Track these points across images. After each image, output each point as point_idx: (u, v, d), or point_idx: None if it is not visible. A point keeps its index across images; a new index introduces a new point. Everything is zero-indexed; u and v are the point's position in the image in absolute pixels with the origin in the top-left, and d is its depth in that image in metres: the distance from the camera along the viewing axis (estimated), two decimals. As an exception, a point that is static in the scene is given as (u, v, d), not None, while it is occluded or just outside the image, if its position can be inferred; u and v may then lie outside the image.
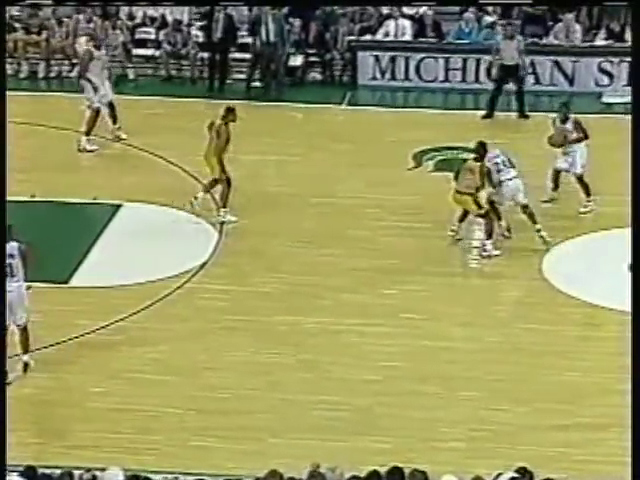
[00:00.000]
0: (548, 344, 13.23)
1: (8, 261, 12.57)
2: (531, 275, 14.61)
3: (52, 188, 16.48)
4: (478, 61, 20.31)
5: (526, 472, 9.52)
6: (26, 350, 12.79)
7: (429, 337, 13.41)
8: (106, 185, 16.67)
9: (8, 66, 20.70)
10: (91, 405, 12.17)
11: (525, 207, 15.10)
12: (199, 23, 21.27)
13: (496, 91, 19.24)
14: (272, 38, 20.05)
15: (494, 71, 19.39)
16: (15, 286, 12.62)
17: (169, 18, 21.28)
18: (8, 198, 15.87)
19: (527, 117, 19.18)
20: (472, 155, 15.46)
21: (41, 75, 20.85)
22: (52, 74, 20.85)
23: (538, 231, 15.02)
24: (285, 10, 20.57)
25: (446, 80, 20.47)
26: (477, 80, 20.37)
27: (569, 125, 15.97)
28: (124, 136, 18.09)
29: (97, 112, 17.85)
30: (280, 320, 13.71)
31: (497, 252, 14.93)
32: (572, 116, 16.04)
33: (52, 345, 13.10)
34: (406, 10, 21.13)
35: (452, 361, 12.97)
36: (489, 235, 14.92)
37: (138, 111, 19.22)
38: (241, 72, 20.80)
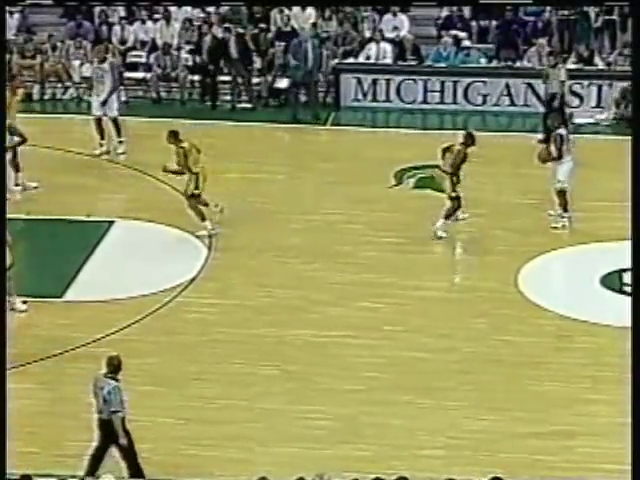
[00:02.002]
0: (523, 355, 13.27)
1: None
2: (506, 288, 14.66)
3: (46, 206, 16.47)
4: (455, 83, 20.43)
5: (500, 481, 9.53)
6: None
7: (409, 348, 13.43)
8: (99, 203, 16.68)
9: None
10: (85, 416, 12.04)
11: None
12: (188, 47, 21.31)
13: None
14: (310, 64, 20.07)
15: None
16: None
17: (159, 42, 21.31)
18: (8, 216, 15.97)
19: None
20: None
21: (35, 97, 20.84)
22: (46, 96, 20.85)
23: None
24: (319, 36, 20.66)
25: (425, 101, 20.57)
26: (454, 101, 20.48)
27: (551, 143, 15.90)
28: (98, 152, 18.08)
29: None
30: (266, 332, 13.71)
31: (444, 234, 15.46)
32: (554, 134, 15.97)
33: (48, 357, 13.07)
34: (387, 34, 21.23)
35: (431, 371, 12.99)
36: (447, 217, 15.43)
37: (129, 131, 19.22)
38: (228, 94, 20.86)
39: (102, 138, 18.05)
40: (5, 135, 15.69)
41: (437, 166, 16.06)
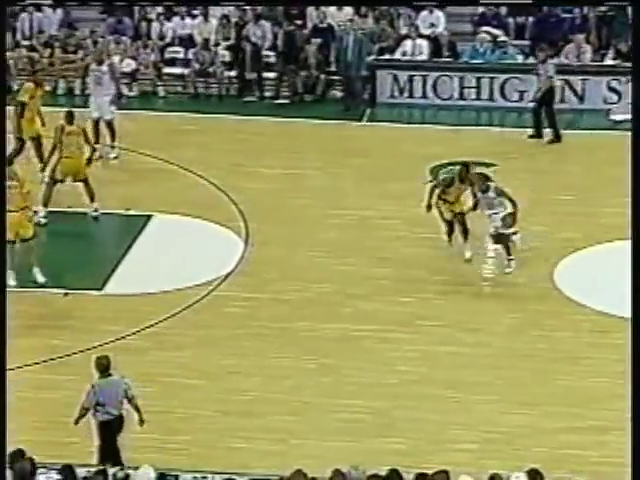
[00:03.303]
0: (557, 350, 13.30)
1: None
2: (542, 283, 14.67)
3: (87, 199, 16.60)
4: (492, 79, 20.40)
5: (537, 474, 9.58)
6: None
7: (443, 343, 13.50)
8: (137, 197, 16.83)
9: (47, 84, 20.97)
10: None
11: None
12: (225, 43, 21.44)
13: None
14: (350, 58, 20.12)
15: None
16: None
17: (197, 38, 21.46)
18: (50, 209, 16.23)
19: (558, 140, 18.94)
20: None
21: (77, 92, 21.04)
22: (87, 91, 20.96)
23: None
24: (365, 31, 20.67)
25: (461, 98, 20.58)
26: (491, 98, 20.46)
27: (491, 193, 14.84)
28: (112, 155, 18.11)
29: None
30: (301, 326, 13.82)
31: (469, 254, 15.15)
32: (492, 184, 14.95)
33: (88, 349, 13.25)
34: (423, 31, 21.26)
35: (465, 366, 13.05)
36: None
37: (167, 126, 19.41)
38: (267, 90, 20.96)
39: (97, 142, 17.86)
40: (5, 135, 15.79)
41: (473, 163, 16.07)
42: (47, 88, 19.19)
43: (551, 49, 20.56)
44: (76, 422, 10.99)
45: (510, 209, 14.80)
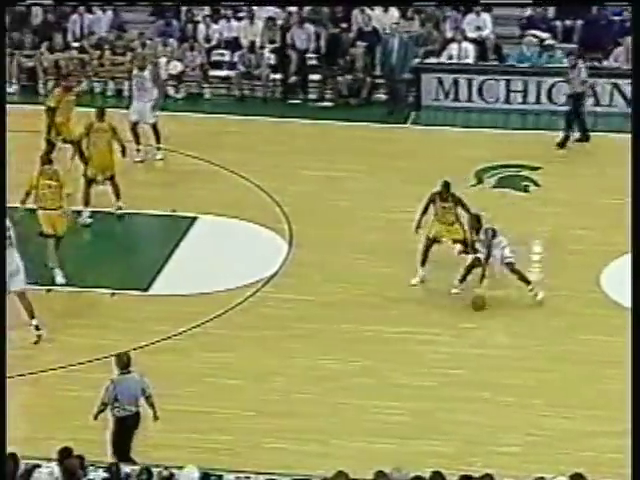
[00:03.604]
0: (602, 354, 13.22)
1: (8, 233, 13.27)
2: (588, 287, 14.59)
3: (134, 201, 16.80)
4: (539, 83, 20.31)
5: (580, 478, 9.54)
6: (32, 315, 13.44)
7: (486, 346, 13.49)
8: (183, 198, 16.95)
9: (96, 84, 21.18)
10: (169, 407, 12.32)
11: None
12: (271, 46, 21.55)
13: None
14: (394, 61, 20.23)
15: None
16: (14, 255, 13.31)
17: (243, 41, 21.58)
18: (97, 209, 16.41)
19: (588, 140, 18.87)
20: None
21: (126, 93, 21.20)
22: (162, 76, 21.09)
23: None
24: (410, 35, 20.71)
25: (507, 101, 20.51)
26: (537, 101, 20.36)
27: (482, 236, 14.43)
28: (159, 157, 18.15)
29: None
30: (344, 328, 13.86)
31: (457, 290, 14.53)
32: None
33: (134, 349, 13.37)
34: (469, 34, 21.22)
35: (508, 369, 13.03)
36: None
37: (213, 128, 19.55)
38: (311, 92, 21.05)
39: (138, 143, 18.07)
40: (5, 137, 15.96)
41: (518, 166, 16.00)
42: (78, 90, 19.23)
43: (601, 52, 20.48)
44: (95, 417, 11.14)
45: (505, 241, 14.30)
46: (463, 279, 14.45)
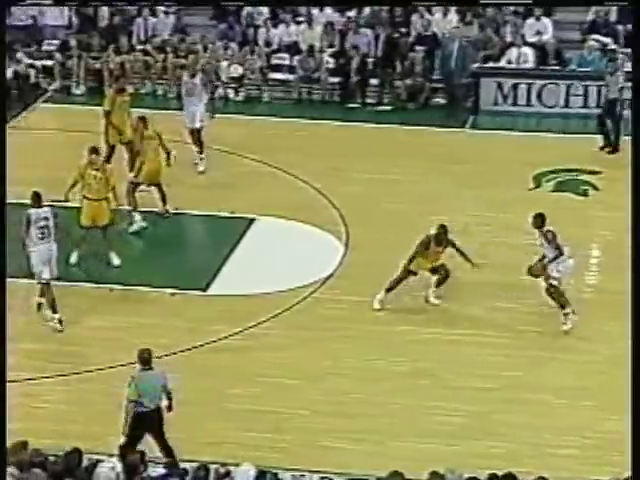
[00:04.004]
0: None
1: (44, 223, 13.66)
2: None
3: (193, 201, 16.98)
4: (599, 88, 20.07)
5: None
6: (54, 309, 13.78)
7: (543, 349, 13.41)
8: (241, 200, 17.07)
9: (159, 87, 21.36)
10: (226, 405, 12.47)
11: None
12: (330, 50, 21.63)
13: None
14: (453, 66, 20.24)
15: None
16: (54, 247, 13.72)
17: (302, 45, 21.70)
18: (153, 209, 16.60)
19: (616, 151, 18.62)
20: None
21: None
22: (213, 82, 21.26)
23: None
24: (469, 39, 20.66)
25: (567, 106, 20.36)
26: (598, 105, 20.15)
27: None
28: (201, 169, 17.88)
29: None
30: (399, 330, 13.86)
31: (437, 301, 14.38)
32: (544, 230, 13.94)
33: (190, 349, 13.50)
34: (529, 38, 21.12)
35: (566, 372, 12.96)
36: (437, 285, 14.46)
37: (272, 131, 19.67)
38: (369, 96, 21.09)
39: (201, 152, 17.93)
40: (5, 137, 16.14)
41: (577, 170, 15.86)
42: (132, 91, 19.40)
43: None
44: (126, 418, 10.96)
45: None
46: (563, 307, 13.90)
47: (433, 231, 14.37)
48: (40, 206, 13.82)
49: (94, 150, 15.20)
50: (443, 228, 14.36)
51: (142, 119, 16.46)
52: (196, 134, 17.90)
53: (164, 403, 11.16)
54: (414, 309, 14.33)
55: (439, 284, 14.43)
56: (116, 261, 15.22)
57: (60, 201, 14.84)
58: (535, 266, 14.01)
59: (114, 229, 15.38)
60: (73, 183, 15.07)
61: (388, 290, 14.36)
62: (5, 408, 10.34)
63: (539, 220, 13.99)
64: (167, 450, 11.10)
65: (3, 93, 19.00)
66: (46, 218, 13.76)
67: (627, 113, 18.58)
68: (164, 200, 16.57)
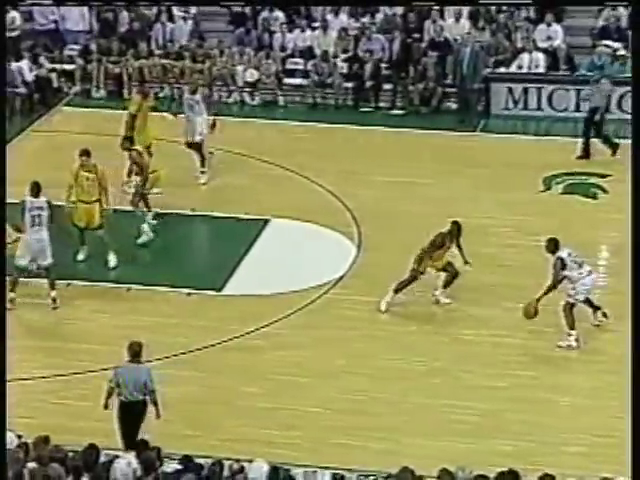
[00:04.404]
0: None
1: (37, 212, 14.00)
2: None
3: (210, 203, 17.00)
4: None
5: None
6: (53, 287, 14.21)
7: (554, 349, 13.35)
8: (256, 201, 17.07)
9: (176, 91, 21.33)
10: (240, 403, 12.47)
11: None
12: (344, 55, 21.63)
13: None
14: (465, 71, 20.22)
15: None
16: (44, 237, 14.06)
17: (317, 50, 21.69)
18: (170, 211, 16.63)
19: (588, 158, 18.51)
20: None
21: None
22: (213, 98, 21.41)
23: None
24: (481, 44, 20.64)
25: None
26: (607, 110, 20.12)
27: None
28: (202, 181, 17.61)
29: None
30: (412, 330, 13.84)
31: (448, 300, 14.35)
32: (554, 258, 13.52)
33: (206, 347, 13.50)
34: (540, 44, 21.07)
35: (577, 371, 12.95)
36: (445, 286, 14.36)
37: (287, 135, 19.69)
38: (382, 100, 21.07)
39: (203, 165, 17.68)
40: (5, 138, 16.16)
41: (587, 173, 15.75)
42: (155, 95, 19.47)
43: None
44: (105, 405, 11.25)
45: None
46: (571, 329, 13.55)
47: (446, 229, 14.29)
48: (36, 196, 14.10)
49: (85, 152, 15.20)
50: (457, 224, 14.29)
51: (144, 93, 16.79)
52: (195, 147, 17.64)
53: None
54: (428, 308, 14.29)
55: (448, 284, 14.38)
56: (113, 263, 15.19)
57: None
58: (528, 307, 13.49)
59: (111, 231, 15.26)
60: (69, 187, 15.09)
61: (396, 291, 14.31)
62: (5, 408, 10.31)
63: (552, 245, 13.55)
64: (132, 441, 11.03)
65: (3, 93, 19.05)
66: (40, 208, 14.04)
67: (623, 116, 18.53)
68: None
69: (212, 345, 13.52)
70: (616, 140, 18.64)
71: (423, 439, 11.81)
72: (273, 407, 12.40)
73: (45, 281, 14.38)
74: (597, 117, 18.61)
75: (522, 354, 13.29)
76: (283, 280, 14.96)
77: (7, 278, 13.98)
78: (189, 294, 14.72)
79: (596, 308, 13.94)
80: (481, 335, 13.67)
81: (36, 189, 14.15)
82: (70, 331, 13.86)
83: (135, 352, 11.22)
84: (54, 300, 14.30)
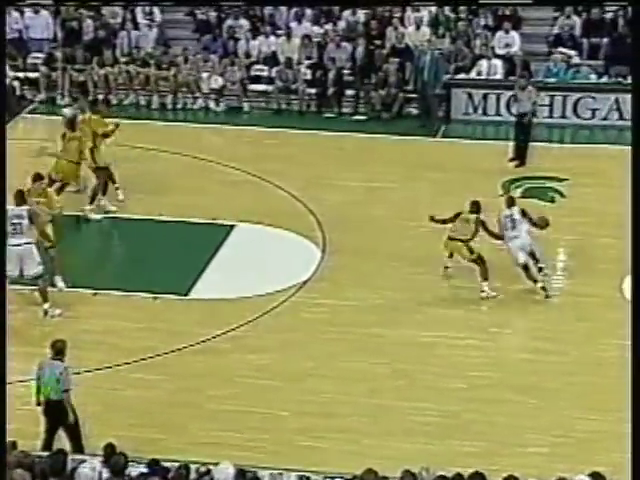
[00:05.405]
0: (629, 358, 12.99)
1: (18, 221, 13.75)
2: (613, 294, 14.40)
3: (176, 208, 16.82)
4: (564, 98, 20.13)
5: (599, 477, 9.36)
6: (45, 299, 13.94)
7: (514, 350, 13.36)
8: (222, 207, 16.92)
9: (142, 98, 21.21)
10: (208, 406, 12.34)
11: (524, 266, 14.37)
12: (307, 62, 21.53)
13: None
14: (426, 77, 20.16)
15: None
16: (23, 242, 13.73)
17: (281, 57, 21.57)
18: (137, 216, 16.45)
19: (523, 165, 18.47)
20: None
21: (169, 106, 21.24)
22: (178, 106, 21.25)
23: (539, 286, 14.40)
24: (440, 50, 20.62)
25: (533, 115, 20.30)
26: (563, 116, 20.18)
27: (515, 212, 14.67)
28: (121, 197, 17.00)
29: None
30: (376, 332, 13.76)
31: (494, 293, 14.39)
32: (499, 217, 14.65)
33: (173, 351, 13.35)
34: (498, 51, 21.09)
35: (536, 372, 12.88)
36: (485, 278, 14.44)
37: (251, 140, 19.55)
38: (345, 106, 21.01)
39: (114, 182, 16.95)
40: (5, 141, 15.96)
41: (544, 177, 15.71)
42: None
43: (626, 69, 20.25)
44: (37, 402, 11.11)
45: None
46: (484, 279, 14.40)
47: (473, 215, 14.75)
48: (19, 204, 13.90)
49: (37, 177, 15.05)
50: (476, 204, 14.74)
51: (70, 121, 16.60)
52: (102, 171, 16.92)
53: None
54: (391, 311, 14.20)
55: (484, 276, 14.36)
56: (60, 285, 14.65)
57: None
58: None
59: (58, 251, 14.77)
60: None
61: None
62: (5, 408, 10.22)
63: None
64: (77, 443, 10.92)
65: (3, 93, 18.77)
66: (20, 216, 13.79)
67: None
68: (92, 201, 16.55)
69: (179, 349, 13.38)
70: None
71: (387, 440, 11.73)
72: (240, 410, 12.27)
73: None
74: (525, 120, 18.53)
75: (481, 355, 13.19)
76: (249, 284, 14.84)
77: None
78: (155, 298, 14.55)
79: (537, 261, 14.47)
80: (440, 336, 13.59)
81: (19, 197, 13.94)
82: (36, 335, 13.62)
83: (57, 349, 11.10)
84: (45, 313, 13.95)
